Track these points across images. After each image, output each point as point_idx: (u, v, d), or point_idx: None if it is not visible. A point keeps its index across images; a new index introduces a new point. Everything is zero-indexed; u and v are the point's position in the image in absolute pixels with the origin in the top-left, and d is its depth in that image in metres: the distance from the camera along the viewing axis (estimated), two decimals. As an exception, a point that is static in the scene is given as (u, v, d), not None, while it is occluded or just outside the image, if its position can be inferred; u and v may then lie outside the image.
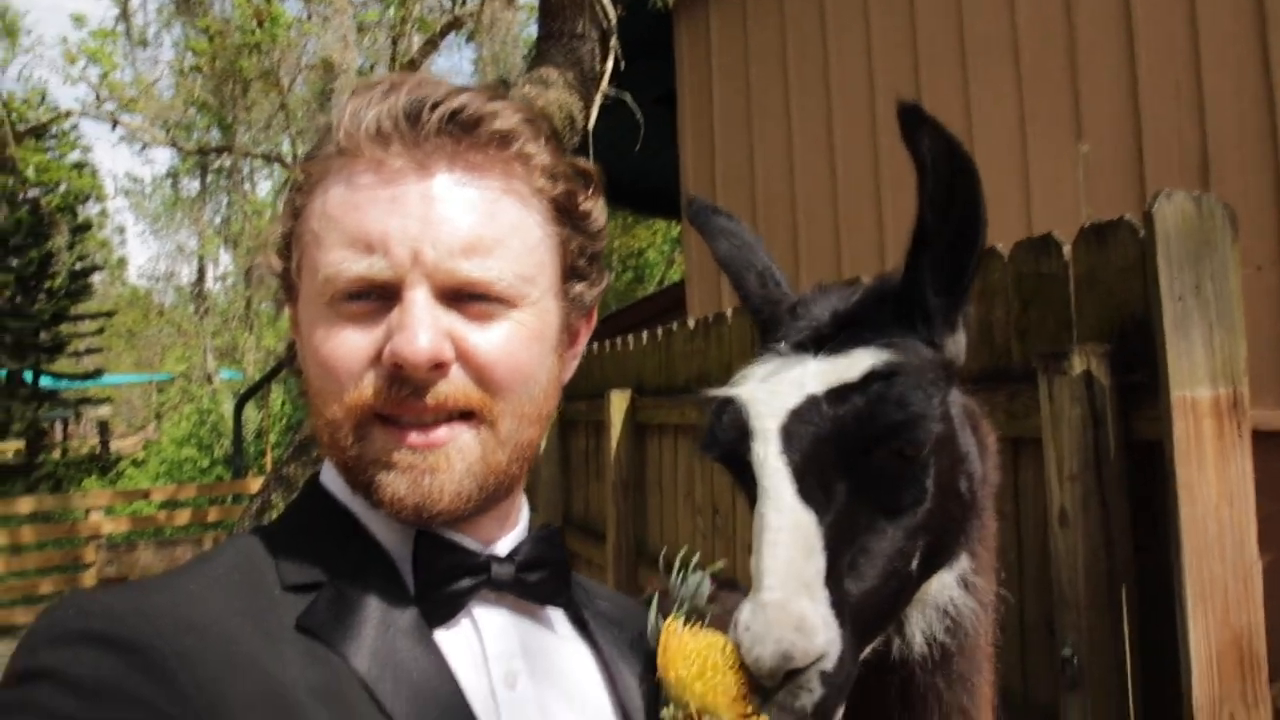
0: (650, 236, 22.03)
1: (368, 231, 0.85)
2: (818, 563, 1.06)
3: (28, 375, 19.61)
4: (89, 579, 10.71)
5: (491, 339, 0.88)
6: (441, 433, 0.87)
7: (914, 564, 1.16)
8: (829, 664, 1.03)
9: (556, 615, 0.99)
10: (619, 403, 4.87)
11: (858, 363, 1.15)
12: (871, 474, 1.13)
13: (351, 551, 0.89)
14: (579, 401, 5.92)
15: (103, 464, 19.47)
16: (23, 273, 19.39)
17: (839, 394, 1.14)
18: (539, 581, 0.94)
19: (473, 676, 0.87)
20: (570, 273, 0.98)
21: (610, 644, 1.01)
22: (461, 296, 0.87)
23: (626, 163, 7.49)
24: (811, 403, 1.14)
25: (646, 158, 6.99)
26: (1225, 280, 1.96)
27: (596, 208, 1.00)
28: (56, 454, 20.97)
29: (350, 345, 0.86)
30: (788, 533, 1.07)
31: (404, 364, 0.84)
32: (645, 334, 4.95)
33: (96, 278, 24.36)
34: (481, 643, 0.90)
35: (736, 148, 6.53)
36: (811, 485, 1.10)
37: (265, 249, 0.97)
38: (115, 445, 23.62)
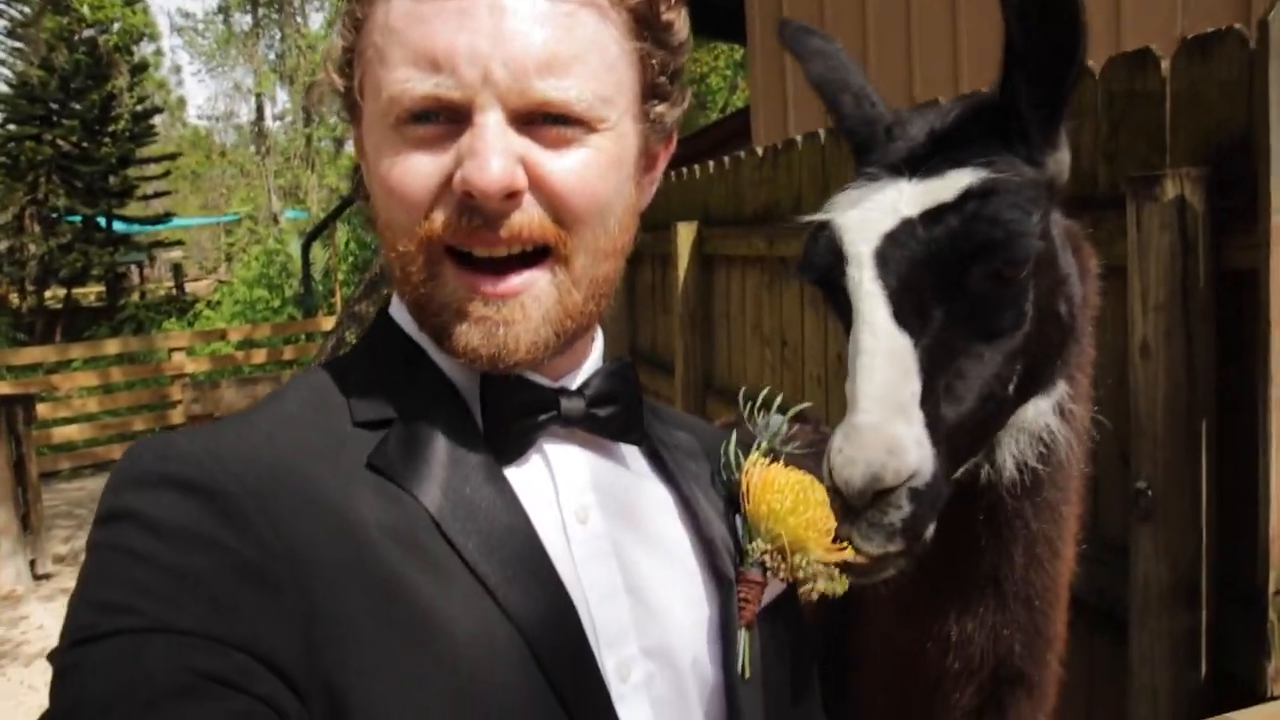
0: (712, 60, 21.30)
1: (433, 47, 0.79)
2: (913, 386, 1.07)
3: (101, 220, 19.98)
4: (177, 416, 11.23)
5: (568, 165, 0.83)
6: (515, 281, 0.84)
7: (1010, 388, 1.16)
8: (920, 482, 1.04)
9: (630, 451, 0.98)
10: (685, 234, 4.82)
11: (953, 183, 1.13)
12: (969, 297, 1.12)
13: (421, 386, 0.88)
14: (644, 233, 5.86)
15: (180, 306, 19.99)
16: (87, 115, 19.45)
17: (933, 215, 1.12)
18: (610, 416, 0.92)
19: (544, 513, 0.86)
20: (650, 91, 0.91)
21: (689, 478, 1.00)
22: (535, 119, 0.82)
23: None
24: (906, 226, 1.13)
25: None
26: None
27: (679, 18, 0.92)
28: (135, 297, 21.57)
29: (419, 171, 0.81)
30: (883, 357, 1.07)
31: (475, 192, 0.79)
32: (711, 163, 4.84)
33: (158, 119, 24.42)
34: (553, 478, 0.89)
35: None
36: (907, 309, 1.10)
37: (325, 65, 0.90)
38: (190, 288, 24.21)
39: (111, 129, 20.08)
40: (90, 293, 21.92)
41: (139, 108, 21.01)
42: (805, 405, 1.13)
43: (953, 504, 1.15)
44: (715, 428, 1.18)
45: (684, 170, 5.29)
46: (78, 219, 19.96)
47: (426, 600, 0.77)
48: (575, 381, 0.93)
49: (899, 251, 1.12)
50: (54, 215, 19.59)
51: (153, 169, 22.39)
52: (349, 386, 0.87)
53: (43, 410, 9.98)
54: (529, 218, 0.82)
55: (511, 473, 0.87)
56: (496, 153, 0.79)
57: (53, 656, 0.73)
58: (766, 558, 0.97)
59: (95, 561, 0.74)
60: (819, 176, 3.61)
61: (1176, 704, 1.98)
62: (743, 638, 0.93)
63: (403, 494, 0.81)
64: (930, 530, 1.09)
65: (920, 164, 1.16)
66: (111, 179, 20.15)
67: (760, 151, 4.20)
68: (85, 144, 19.79)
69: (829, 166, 3.53)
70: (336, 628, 0.73)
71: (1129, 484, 2.06)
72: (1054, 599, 1.33)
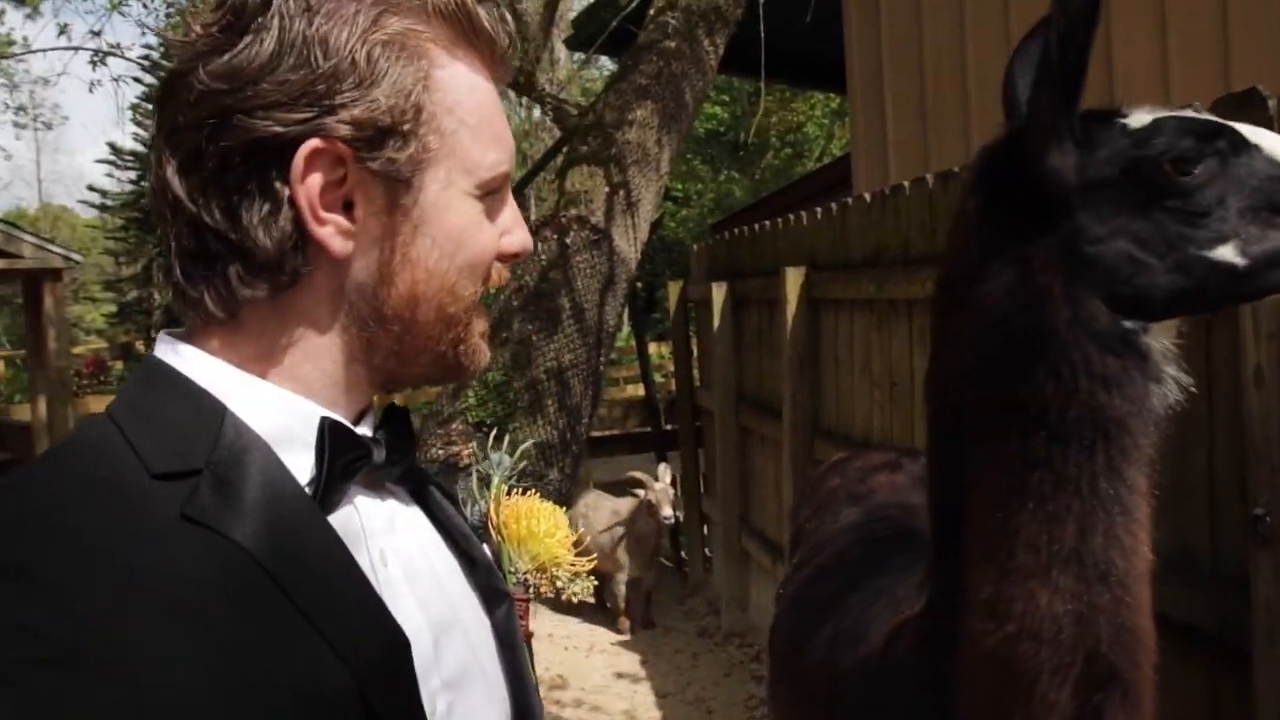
0: (808, 110, 21.48)
1: (503, 133, 0.92)
2: None
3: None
4: None
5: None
6: None
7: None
8: None
9: (400, 491, 0.98)
10: (794, 279, 4.94)
11: None
12: None
13: (227, 436, 0.81)
14: (752, 279, 6.02)
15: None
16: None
17: None
18: (400, 461, 0.94)
19: (361, 556, 0.86)
20: None
21: (449, 517, 1.03)
22: None
23: (788, 33, 7.37)
24: None
25: (812, 26, 6.86)
26: None
27: None
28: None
29: (492, 232, 0.93)
30: None
31: (527, 254, 0.97)
32: (818, 210, 4.97)
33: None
34: (361, 521, 0.89)
35: (903, 12, 6.32)
36: None
37: (367, 101, 0.83)
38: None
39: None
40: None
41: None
42: (529, 443, 1.33)
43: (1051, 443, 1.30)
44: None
45: (789, 217, 5.44)
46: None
47: (261, 661, 0.73)
48: (366, 426, 0.94)
49: None
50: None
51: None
52: (138, 439, 0.80)
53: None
54: None
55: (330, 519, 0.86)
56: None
57: None
58: (529, 575, 1.18)
59: None
60: (926, 221, 3.72)
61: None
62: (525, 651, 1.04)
63: (227, 543, 0.76)
64: None
65: None
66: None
67: (868, 197, 4.32)
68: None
69: (936, 210, 3.63)
70: (167, 714, 0.68)
71: (1247, 511, 2.10)
72: (1136, 583, 1.35)
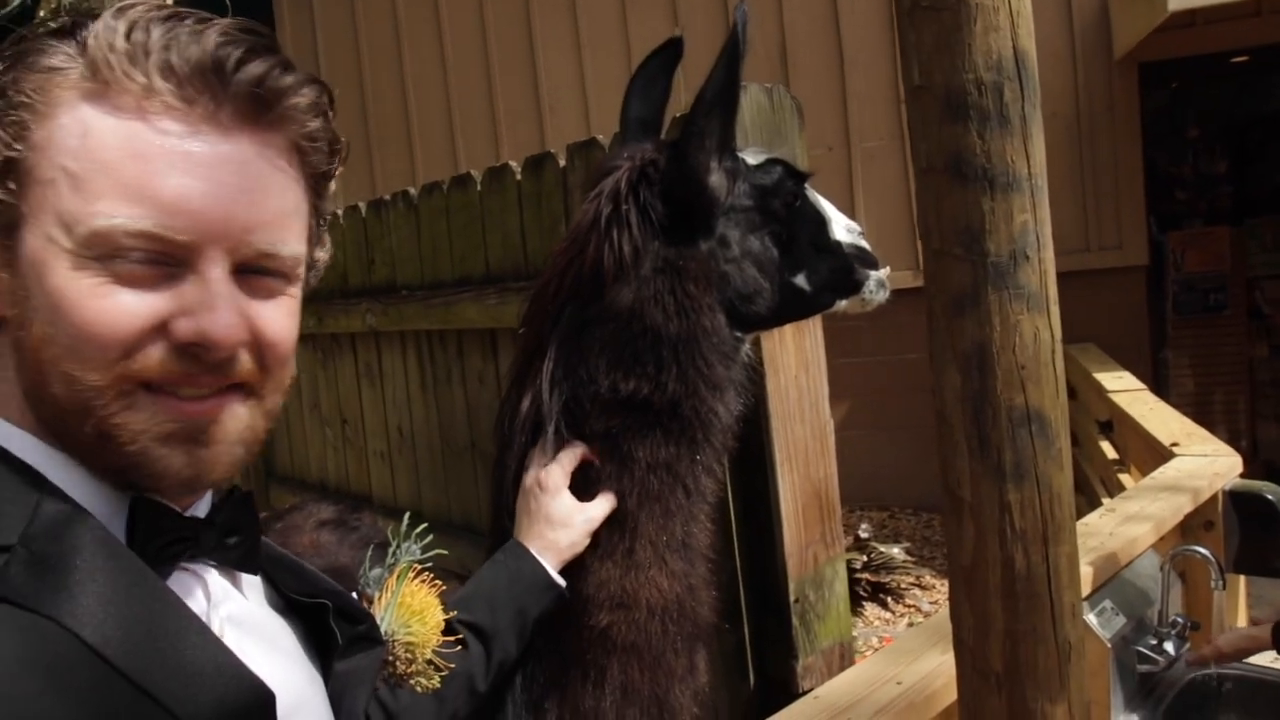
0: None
1: (159, 188, 0.80)
2: None
3: None
4: None
5: (277, 317, 0.89)
6: (214, 402, 0.86)
7: None
8: None
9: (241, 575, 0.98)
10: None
11: None
12: None
13: (45, 510, 0.79)
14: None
15: None
16: None
17: None
18: (236, 545, 0.92)
19: (210, 623, 0.86)
20: (315, 239, 1.00)
21: (293, 594, 1.03)
22: (248, 270, 0.87)
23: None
24: None
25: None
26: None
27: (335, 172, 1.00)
28: None
29: (126, 310, 0.80)
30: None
31: (210, 344, 0.82)
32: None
33: None
34: (204, 588, 0.88)
35: (340, 29, 6.16)
36: None
37: None
38: None
39: None
40: None
41: None
42: (430, 538, 1.36)
43: None
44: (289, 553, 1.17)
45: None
46: None
47: None
48: (202, 510, 0.92)
49: None
50: None
51: None
52: None
53: None
54: (240, 364, 0.87)
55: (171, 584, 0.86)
56: (230, 308, 0.83)
57: None
58: (401, 650, 1.25)
59: None
60: (362, 251, 3.58)
61: (733, 711, 2.16)
62: None
63: (43, 620, 0.74)
64: None
65: None
66: None
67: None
68: None
69: (370, 240, 3.51)
70: None
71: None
72: (709, 551, 1.60)
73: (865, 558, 5.35)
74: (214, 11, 0.90)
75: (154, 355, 0.82)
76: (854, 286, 1.64)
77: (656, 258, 1.45)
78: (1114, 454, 4.40)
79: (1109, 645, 2.08)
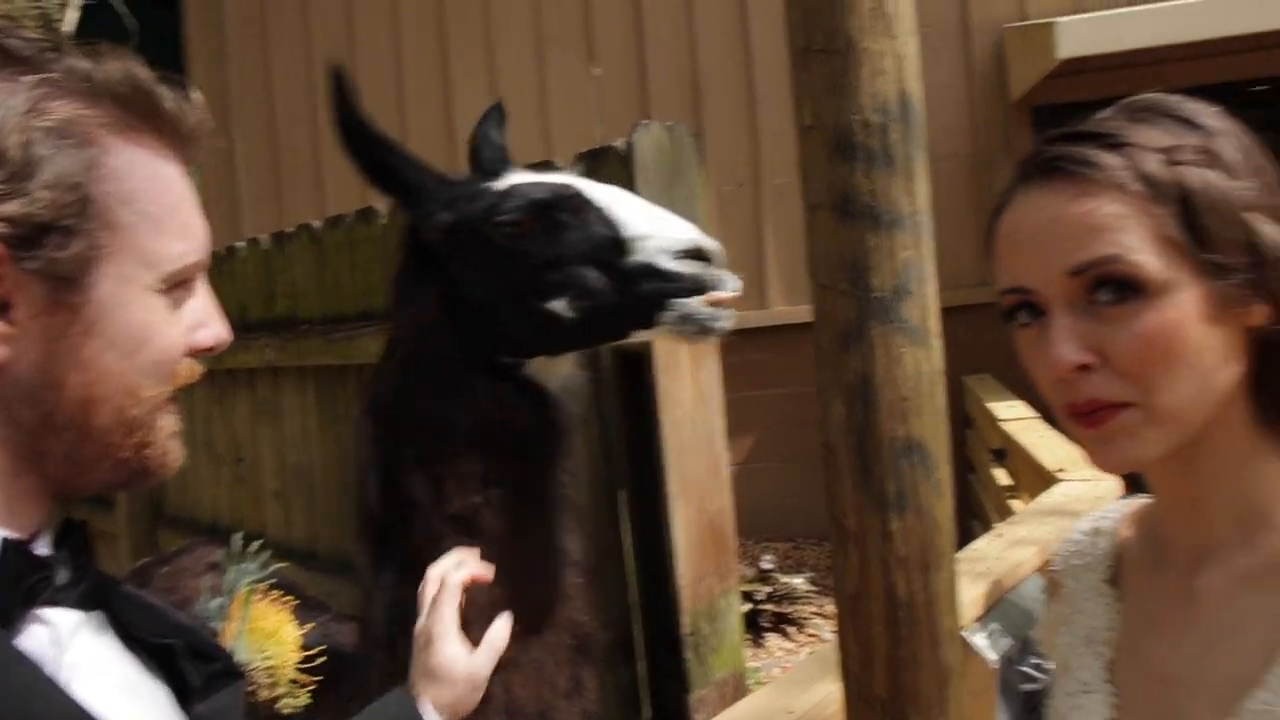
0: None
1: (191, 221, 0.88)
2: None
3: None
4: None
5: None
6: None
7: None
8: None
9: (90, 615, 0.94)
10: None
11: None
12: None
13: None
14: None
15: None
16: None
17: None
18: (82, 582, 0.88)
19: (54, 673, 0.81)
20: None
21: (149, 620, 0.99)
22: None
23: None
24: None
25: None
26: (693, 205, 2.17)
27: None
28: None
29: (182, 325, 0.88)
30: None
31: (221, 348, 0.92)
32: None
33: None
34: (54, 634, 0.84)
35: (251, 56, 6.06)
36: None
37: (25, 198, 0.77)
38: None
39: None
40: None
41: None
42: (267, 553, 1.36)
43: None
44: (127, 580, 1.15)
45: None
46: None
47: None
48: (42, 546, 0.87)
49: None
50: None
51: None
52: None
53: None
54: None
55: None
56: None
57: None
58: (262, 676, 1.24)
59: None
60: (262, 284, 3.51)
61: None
62: None
63: None
64: None
65: None
66: None
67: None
68: None
69: (272, 273, 3.44)
70: None
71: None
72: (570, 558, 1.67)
73: (768, 589, 5.38)
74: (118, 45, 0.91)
75: (185, 363, 0.90)
76: (644, 318, 1.47)
77: (413, 292, 1.65)
78: (1009, 480, 4.52)
79: (995, 667, 2.13)
